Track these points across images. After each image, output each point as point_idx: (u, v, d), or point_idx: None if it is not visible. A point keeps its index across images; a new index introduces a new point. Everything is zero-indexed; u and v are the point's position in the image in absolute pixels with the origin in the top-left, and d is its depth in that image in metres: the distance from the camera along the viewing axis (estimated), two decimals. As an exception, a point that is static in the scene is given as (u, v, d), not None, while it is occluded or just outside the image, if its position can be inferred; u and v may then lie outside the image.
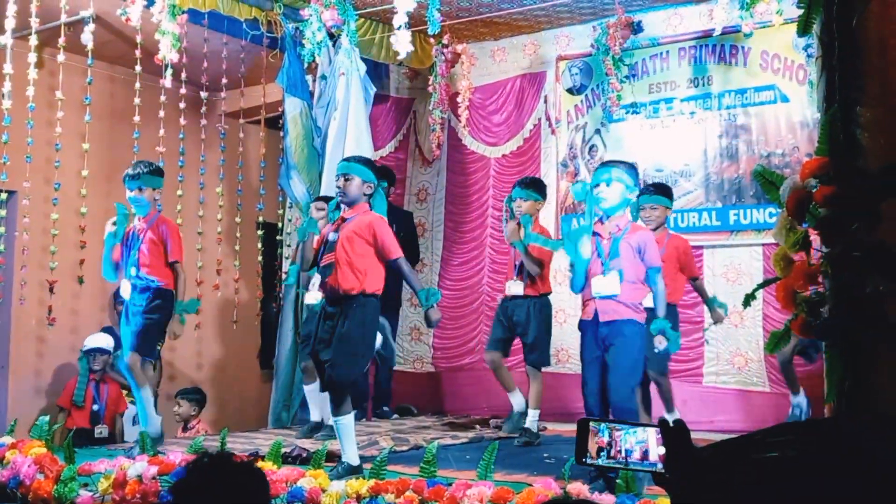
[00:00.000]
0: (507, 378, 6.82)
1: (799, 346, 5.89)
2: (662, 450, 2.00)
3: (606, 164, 5.20)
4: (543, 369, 6.71)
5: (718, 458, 1.65)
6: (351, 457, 4.98)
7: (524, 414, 6.65)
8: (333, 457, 5.10)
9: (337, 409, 5.04)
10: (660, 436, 2.02)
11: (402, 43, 5.58)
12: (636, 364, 4.87)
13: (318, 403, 6.89)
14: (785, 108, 7.36)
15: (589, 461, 2.16)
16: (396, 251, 5.20)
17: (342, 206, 5.34)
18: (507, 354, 6.83)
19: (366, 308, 5.09)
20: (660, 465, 1.99)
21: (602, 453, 2.13)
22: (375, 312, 5.18)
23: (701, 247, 7.58)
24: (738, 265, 7.48)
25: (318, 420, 6.87)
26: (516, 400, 6.83)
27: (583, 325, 5.03)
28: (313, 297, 6.72)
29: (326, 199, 6.91)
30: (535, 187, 6.70)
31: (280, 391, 8.24)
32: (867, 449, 1.44)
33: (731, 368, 7.47)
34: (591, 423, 2.19)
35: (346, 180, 5.23)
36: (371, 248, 5.17)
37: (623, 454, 2.09)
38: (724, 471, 1.58)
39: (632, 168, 5.22)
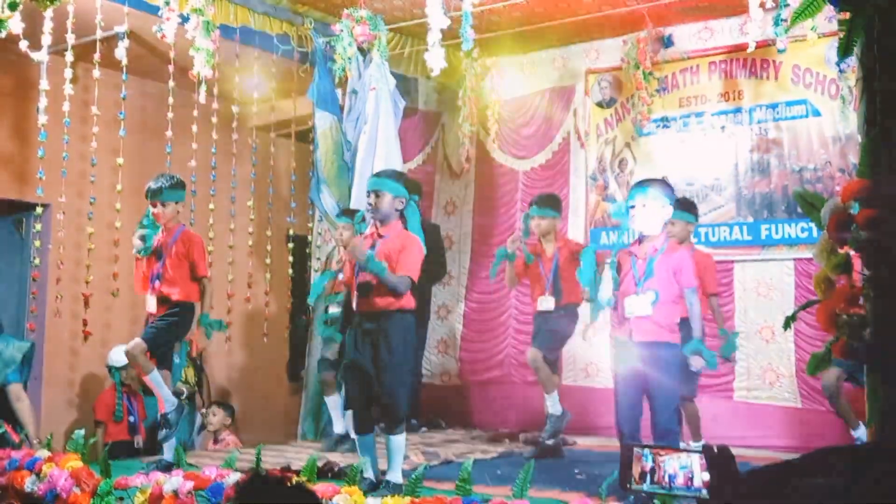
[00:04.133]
0: (548, 378, 6.64)
1: (845, 374, 5.79)
2: (707, 475, 2.01)
3: (642, 185, 5.19)
4: (574, 383, 6.71)
5: (763, 484, 1.65)
6: (397, 476, 4.99)
7: (561, 417, 6.59)
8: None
9: (392, 429, 5.05)
10: (704, 461, 2.02)
11: (435, 60, 5.58)
12: (676, 386, 4.90)
13: (340, 415, 6.91)
14: (817, 123, 7.32)
15: (634, 487, 2.16)
16: (408, 271, 5.11)
17: (374, 221, 5.32)
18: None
19: (405, 324, 5.09)
20: (704, 492, 1.99)
21: (646, 478, 2.14)
22: (413, 329, 5.19)
23: (732, 261, 7.56)
24: (769, 280, 7.44)
25: (341, 432, 6.89)
26: (552, 401, 6.66)
27: (617, 343, 5.07)
28: (338, 308, 6.75)
29: (350, 213, 6.93)
30: (552, 204, 6.74)
31: (309, 404, 8.27)
32: None
33: (762, 384, 7.43)
34: (636, 449, 2.19)
35: (378, 196, 5.18)
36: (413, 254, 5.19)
37: (667, 480, 2.09)
38: (769, 497, 1.59)
39: (667, 187, 5.24)
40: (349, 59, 7.39)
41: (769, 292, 7.42)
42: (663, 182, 5.33)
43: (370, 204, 5.23)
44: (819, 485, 1.52)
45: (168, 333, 5.80)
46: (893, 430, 2.84)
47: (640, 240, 5.08)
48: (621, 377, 5.01)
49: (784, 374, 7.33)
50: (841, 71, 6.77)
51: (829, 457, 1.65)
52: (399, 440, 5.05)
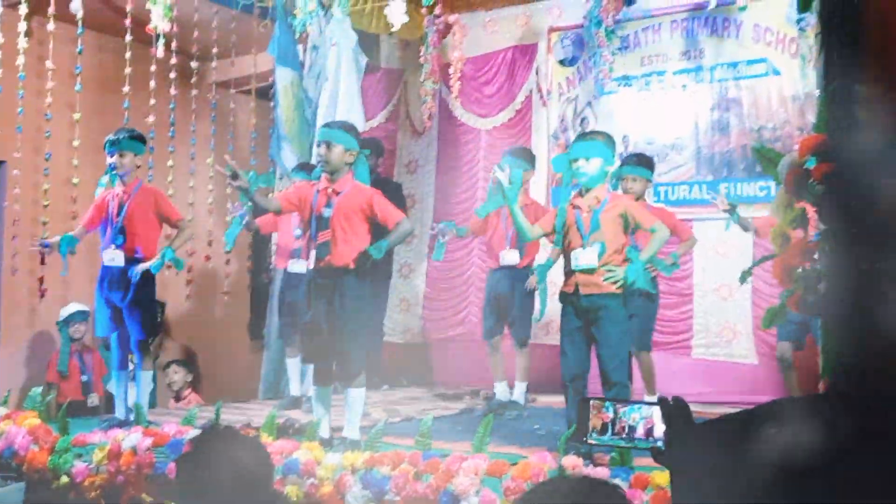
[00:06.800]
0: (499, 366, 6.76)
1: (795, 344, 6.00)
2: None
3: (585, 138, 5.18)
4: (533, 340, 6.75)
5: (718, 435, 1.67)
6: (355, 432, 5.00)
7: (504, 405, 6.62)
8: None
9: (349, 382, 5.05)
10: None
11: (396, 14, 5.56)
12: (623, 335, 4.92)
13: (299, 378, 6.91)
14: (777, 82, 7.36)
15: (593, 439, 2.17)
16: (399, 214, 5.18)
17: (325, 175, 5.25)
18: (502, 332, 6.79)
19: (361, 281, 5.07)
20: (661, 443, 2.00)
21: (606, 430, 2.14)
22: (370, 285, 5.18)
23: (691, 220, 7.59)
24: (727, 239, 7.49)
25: (297, 395, 6.88)
26: (500, 389, 6.77)
27: (563, 297, 5.06)
28: (298, 265, 6.72)
29: (306, 167, 6.88)
30: (525, 156, 6.68)
31: (270, 362, 8.26)
32: (864, 424, 1.46)
33: (720, 341, 7.51)
34: (593, 401, 2.20)
35: (329, 148, 5.09)
36: (366, 224, 5.14)
37: (627, 431, 2.10)
38: (724, 447, 1.60)
39: (610, 140, 5.22)
40: (310, 14, 7.31)
41: (728, 251, 7.47)
42: (607, 135, 5.28)
43: (321, 155, 5.16)
44: (773, 434, 1.53)
45: (151, 311, 5.80)
46: (845, 380, 2.88)
47: (581, 192, 5.07)
48: (567, 332, 5.00)
49: (741, 331, 7.41)
50: (801, 29, 6.80)
51: (784, 407, 1.66)
52: (357, 394, 5.04)
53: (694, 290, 7.61)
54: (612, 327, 4.84)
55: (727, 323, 7.49)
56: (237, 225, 6.63)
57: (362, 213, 5.08)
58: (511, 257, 6.59)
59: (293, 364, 6.92)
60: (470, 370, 8.37)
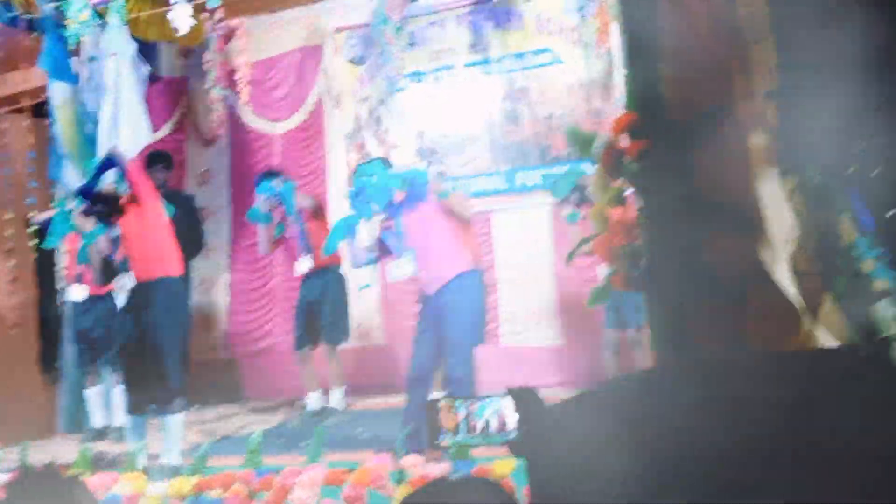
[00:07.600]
0: (311, 376, 6.73)
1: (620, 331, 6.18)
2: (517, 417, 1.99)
3: (359, 169, 5.37)
4: (346, 344, 6.73)
5: (566, 418, 1.66)
6: (176, 457, 4.77)
7: (318, 412, 6.56)
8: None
9: (168, 405, 4.83)
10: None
11: (181, 19, 5.34)
12: (470, 327, 4.92)
13: (101, 407, 6.59)
14: (561, 70, 7.57)
15: (447, 441, 2.11)
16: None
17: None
18: (313, 342, 6.74)
19: (170, 292, 4.88)
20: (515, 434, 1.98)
21: (459, 430, 2.10)
22: (182, 296, 5.00)
23: (491, 210, 7.71)
24: (528, 225, 7.65)
25: (100, 426, 6.55)
26: (312, 398, 6.75)
27: (421, 299, 5.14)
28: (79, 292, 6.43)
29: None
30: (277, 174, 6.80)
31: (69, 393, 7.80)
32: (691, 395, 1.49)
33: (527, 327, 7.65)
34: (442, 402, 2.15)
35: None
36: (159, 223, 4.97)
37: (482, 426, 2.06)
38: (574, 429, 1.60)
39: (385, 161, 5.42)
40: (83, 23, 6.91)
41: (526, 238, 7.63)
42: (381, 160, 5.47)
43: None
44: (617, 412, 1.55)
45: None
46: (676, 353, 2.96)
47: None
48: (420, 332, 5.04)
49: (546, 315, 7.58)
50: (583, 17, 7.02)
51: (623, 384, 1.69)
52: (177, 419, 4.86)
53: (497, 279, 7.71)
54: (458, 316, 4.83)
55: (532, 308, 7.64)
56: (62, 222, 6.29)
57: (148, 214, 4.90)
58: (305, 265, 6.56)
59: (94, 394, 6.59)
60: (282, 381, 8.18)
